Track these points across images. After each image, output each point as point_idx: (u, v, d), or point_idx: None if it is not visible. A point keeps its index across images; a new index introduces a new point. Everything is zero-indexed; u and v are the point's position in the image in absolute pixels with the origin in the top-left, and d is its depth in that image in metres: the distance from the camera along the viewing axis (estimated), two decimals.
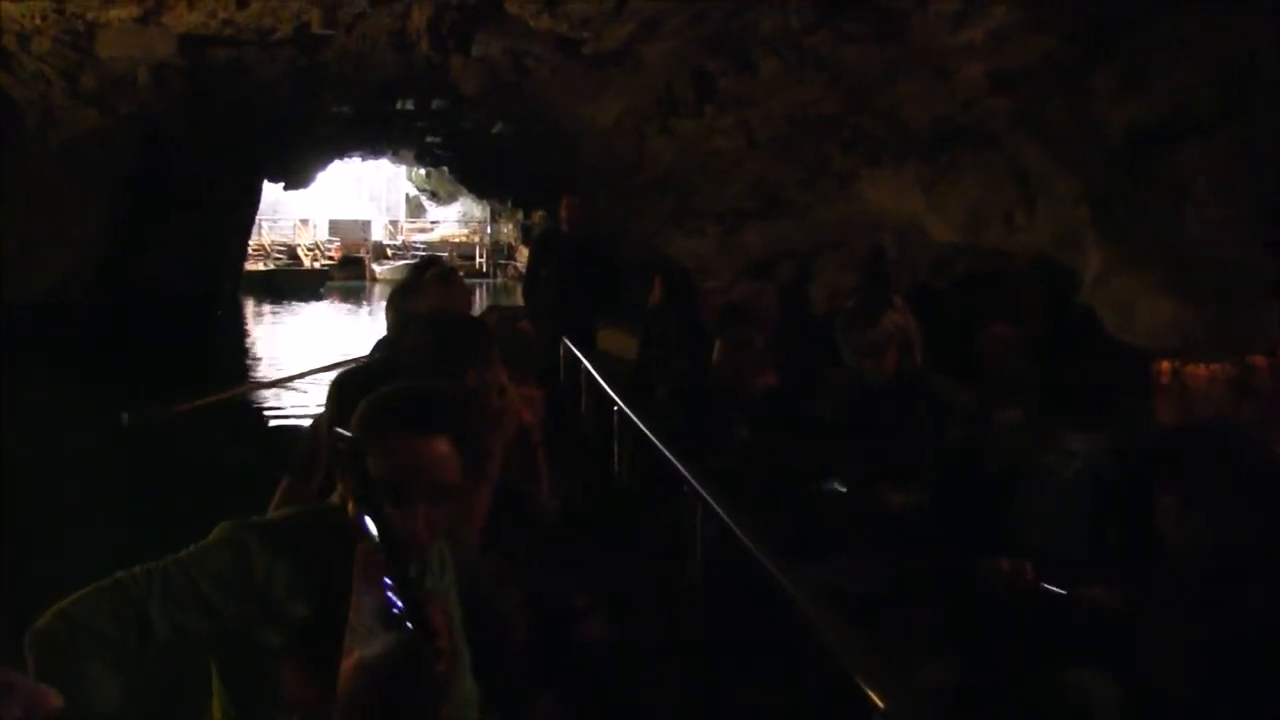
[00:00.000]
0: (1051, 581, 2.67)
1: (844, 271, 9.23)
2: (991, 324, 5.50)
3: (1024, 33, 6.41)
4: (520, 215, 25.47)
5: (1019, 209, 7.29)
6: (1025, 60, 6.53)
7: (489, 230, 35.06)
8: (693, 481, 3.61)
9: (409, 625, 1.47)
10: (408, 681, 1.46)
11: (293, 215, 37.03)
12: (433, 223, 41.07)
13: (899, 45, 7.19)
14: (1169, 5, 6.01)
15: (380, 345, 3.93)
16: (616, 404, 5.59)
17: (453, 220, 39.94)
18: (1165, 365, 7.83)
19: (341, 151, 21.66)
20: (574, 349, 7.56)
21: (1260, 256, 5.98)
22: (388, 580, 1.49)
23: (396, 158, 27.72)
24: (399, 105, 13.53)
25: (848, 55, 7.67)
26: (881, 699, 1.89)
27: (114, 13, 9.54)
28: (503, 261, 31.56)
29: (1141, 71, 6.26)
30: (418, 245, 35.66)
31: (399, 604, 1.50)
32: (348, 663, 1.48)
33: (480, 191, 25.63)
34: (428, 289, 3.84)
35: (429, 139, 17.88)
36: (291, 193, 24.56)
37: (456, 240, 36.80)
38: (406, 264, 23.00)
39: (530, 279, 8.64)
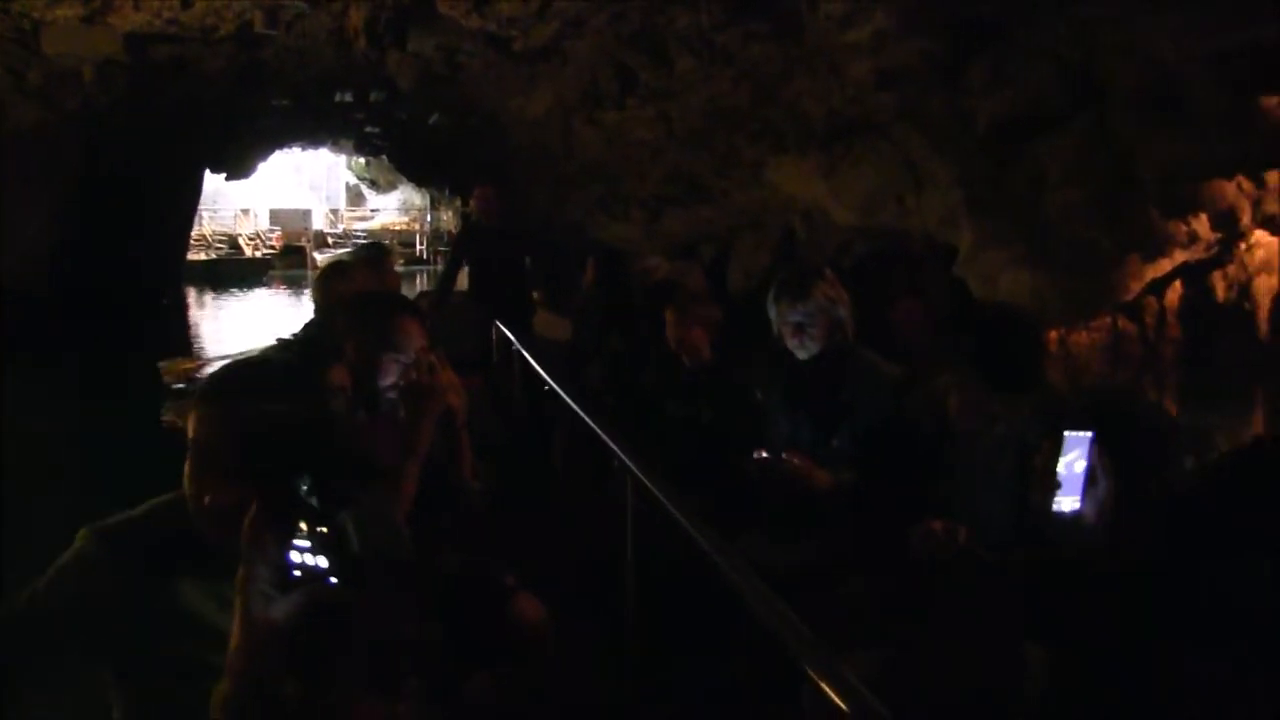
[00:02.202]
0: (983, 544, 2.68)
1: (758, 252, 9.94)
2: (900, 300, 5.88)
3: (904, 34, 7.13)
4: (459, 203, 25.90)
5: (908, 193, 8.04)
6: (906, 59, 7.25)
7: (429, 218, 35.32)
8: (623, 457, 3.54)
9: (331, 579, 1.49)
10: (325, 633, 1.50)
11: (234, 205, 37.06)
12: (373, 211, 41.24)
13: (797, 44, 7.89)
14: (1026, 12, 6.77)
15: (309, 325, 3.93)
16: (548, 383, 5.58)
17: (393, 208, 40.14)
18: (1053, 334, 8.65)
19: (282, 142, 21.94)
20: (507, 332, 7.66)
21: (1103, 233, 6.78)
22: (295, 544, 1.50)
23: (336, 147, 27.95)
24: (338, 98, 13.96)
25: (754, 52, 8.36)
26: (815, 675, 1.86)
27: (60, 11, 9.95)
28: (443, 248, 31.92)
29: (1005, 70, 7.02)
30: (358, 233, 35.88)
31: (295, 569, 1.52)
32: (248, 627, 1.49)
33: (419, 180, 26.02)
34: (355, 270, 3.92)
35: (368, 129, 18.26)
36: (233, 183, 24.79)
37: (397, 228, 37.01)
38: (348, 252, 23.29)
39: (447, 268, 8.74)
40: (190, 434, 1.73)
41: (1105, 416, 2.48)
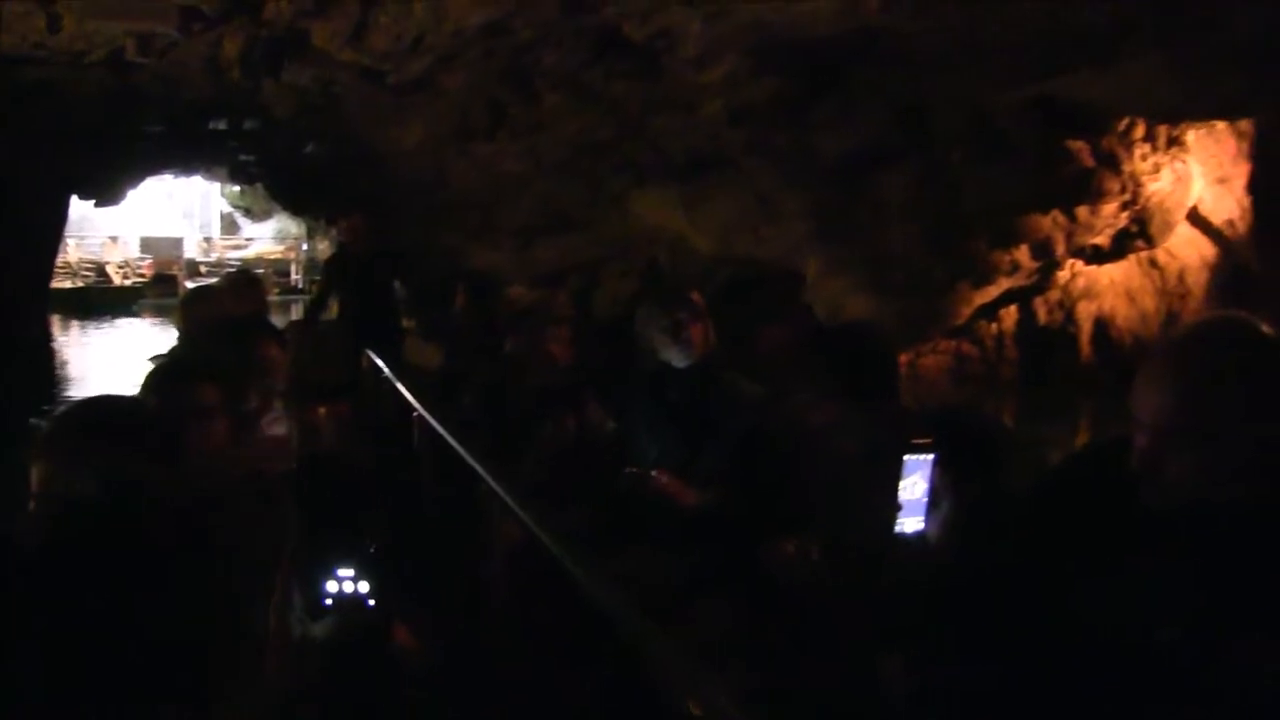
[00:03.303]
0: (839, 560, 2.69)
1: (625, 281, 10.38)
2: (764, 325, 6.21)
3: (754, 75, 7.67)
4: (335, 232, 25.76)
5: (763, 223, 8.59)
6: (756, 98, 7.79)
7: (305, 247, 34.93)
8: (489, 480, 3.50)
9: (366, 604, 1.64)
10: (363, 657, 1.65)
11: (101, 232, 36.05)
12: (248, 239, 40.51)
13: (657, 83, 8.38)
14: (865, 57, 7.37)
15: (174, 350, 3.86)
16: (416, 410, 5.55)
17: (268, 237, 39.50)
18: (903, 357, 9.27)
19: (154, 168, 21.60)
20: (376, 360, 7.56)
21: (936, 262, 7.41)
22: (337, 574, 1.64)
23: (210, 174, 27.54)
24: (212, 125, 13.88)
25: (617, 90, 8.81)
26: (684, 693, 1.87)
27: None
28: (318, 278, 31.54)
29: (847, 110, 7.63)
30: (233, 262, 35.22)
31: (329, 597, 1.69)
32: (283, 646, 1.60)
33: (295, 209, 25.82)
34: (219, 295, 3.98)
35: (242, 157, 18.14)
36: (101, 209, 24.25)
37: (272, 257, 36.44)
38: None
39: (316, 296, 8.76)
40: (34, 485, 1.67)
41: (946, 434, 2.45)
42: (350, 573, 1.74)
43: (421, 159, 11.61)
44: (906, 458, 1.88)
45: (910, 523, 1.88)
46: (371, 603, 1.74)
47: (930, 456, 1.87)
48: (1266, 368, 1.54)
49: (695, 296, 3.59)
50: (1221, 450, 1.51)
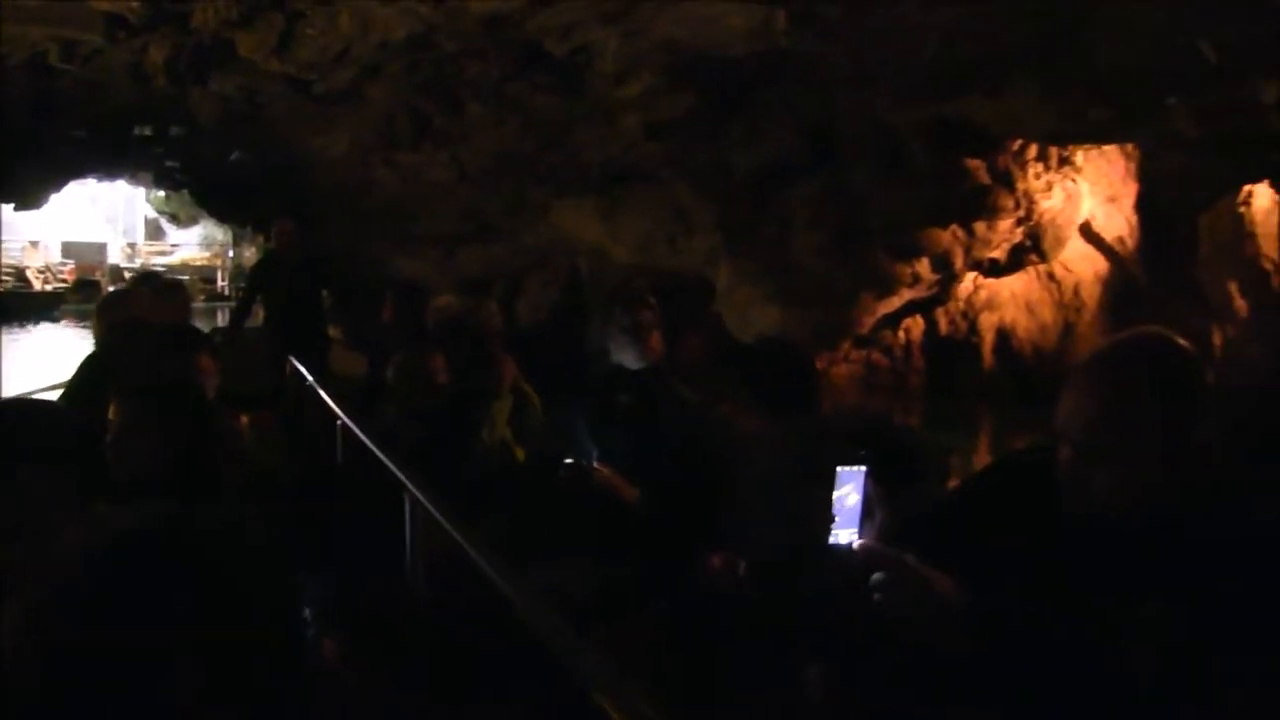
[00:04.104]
0: (766, 572, 2.68)
1: (546, 289, 10.62)
2: (683, 334, 6.35)
3: (669, 92, 7.99)
4: (263, 239, 25.63)
5: (679, 235, 8.90)
6: (672, 113, 8.10)
7: (231, 254, 34.58)
8: (411, 488, 3.47)
9: None
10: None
11: (22, 236, 35.33)
12: (173, 245, 39.91)
13: (578, 96, 8.65)
14: (775, 77, 7.72)
15: (86, 362, 3.77)
16: (340, 419, 5.42)
17: (194, 243, 38.99)
18: (818, 366, 9.62)
19: (77, 173, 21.33)
20: (300, 367, 7.49)
21: (840, 274, 7.77)
22: None
23: (135, 180, 27.21)
24: (137, 131, 13.82)
25: (539, 103, 9.07)
26: (605, 704, 1.84)
27: None
28: (243, 285, 31.23)
29: (758, 126, 7.97)
30: (158, 268, 34.75)
31: None
32: None
33: (222, 215, 25.63)
34: (132, 299, 3.90)
35: (168, 163, 18.03)
36: (21, 213, 23.86)
37: (198, 263, 35.98)
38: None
39: (241, 302, 8.74)
40: None
41: (871, 445, 2.40)
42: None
43: (347, 167, 11.74)
44: (839, 470, 1.85)
45: (844, 534, 1.84)
46: (310, 631, 1.73)
47: (863, 468, 1.84)
48: (1183, 383, 1.58)
49: (653, 301, 3.61)
50: (1141, 464, 1.55)
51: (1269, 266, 7.38)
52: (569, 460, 3.35)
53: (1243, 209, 7.45)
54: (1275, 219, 7.29)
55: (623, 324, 3.49)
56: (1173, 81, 5.82)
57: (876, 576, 1.72)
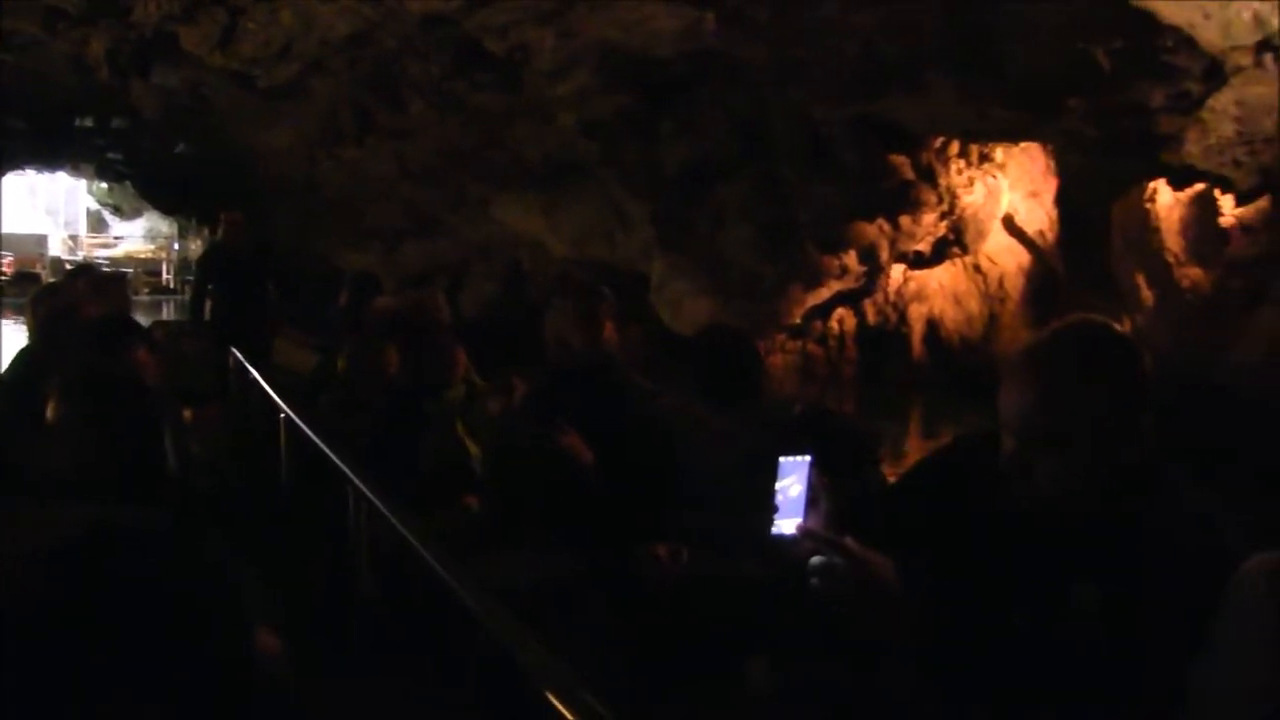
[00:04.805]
0: (711, 561, 2.69)
1: (488, 282, 10.82)
2: (627, 325, 6.53)
3: (604, 90, 8.22)
4: (208, 232, 25.45)
5: (615, 229, 9.14)
6: (607, 111, 8.34)
7: (176, 246, 34.21)
8: (356, 481, 3.44)
9: None
10: None
11: None
12: (116, 238, 39.35)
13: (516, 94, 8.86)
14: (706, 76, 7.99)
15: (19, 356, 3.78)
16: (284, 411, 5.24)
17: (138, 235, 38.49)
18: None
19: (14, 163, 21.08)
20: (243, 360, 7.33)
21: (770, 266, 8.07)
22: None
23: (76, 171, 26.90)
24: (78, 123, 13.76)
25: (479, 100, 9.26)
26: (553, 696, 1.83)
27: None
28: (190, 278, 30.94)
29: (689, 123, 8.23)
30: (100, 261, 34.27)
31: None
32: None
33: (166, 208, 25.47)
34: (71, 290, 3.93)
35: (110, 155, 17.88)
36: None
37: (142, 256, 35.52)
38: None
39: (196, 295, 8.74)
40: None
41: (815, 434, 2.59)
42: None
43: (292, 161, 11.84)
44: (782, 460, 1.80)
45: (787, 524, 1.80)
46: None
47: (807, 458, 1.80)
48: (1121, 370, 1.58)
49: (607, 291, 3.59)
50: (1081, 452, 1.55)
51: (1171, 259, 7.76)
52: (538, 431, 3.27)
53: (1149, 204, 7.82)
54: (1177, 214, 7.67)
55: (578, 311, 3.45)
56: (1073, 85, 6.17)
57: (815, 560, 1.70)
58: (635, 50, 7.62)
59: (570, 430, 3.23)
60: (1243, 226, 7.02)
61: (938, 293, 10.65)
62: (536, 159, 9.07)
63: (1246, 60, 5.64)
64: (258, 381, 6.53)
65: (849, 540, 1.65)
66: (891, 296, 10.41)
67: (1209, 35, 5.52)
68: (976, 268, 10.59)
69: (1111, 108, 6.17)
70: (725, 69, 7.82)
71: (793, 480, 1.81)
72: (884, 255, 8.76)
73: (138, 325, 3.43)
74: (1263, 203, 6.61)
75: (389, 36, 8.78)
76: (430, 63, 9.06)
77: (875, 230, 8.52)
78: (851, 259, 8.55)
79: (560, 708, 1.76)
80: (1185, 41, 5.61)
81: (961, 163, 9.09)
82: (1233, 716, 1.23)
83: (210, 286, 8.48)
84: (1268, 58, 5.60)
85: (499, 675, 2.32)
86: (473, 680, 2.98)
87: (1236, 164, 6.13)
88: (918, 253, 9.64)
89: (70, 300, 3.72)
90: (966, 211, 9.57)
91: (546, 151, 8.98)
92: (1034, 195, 9.84)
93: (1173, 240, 7.81)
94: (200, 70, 10.30)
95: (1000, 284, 10.58)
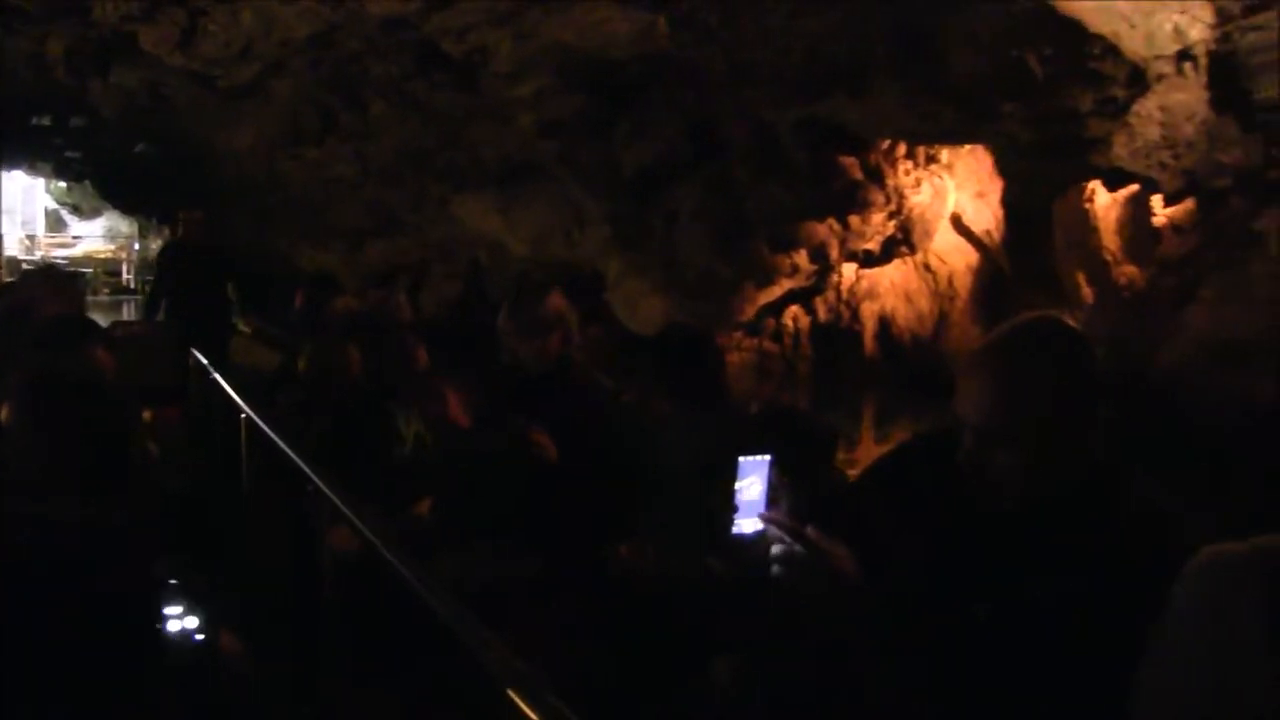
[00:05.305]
0: (676, 560, 2.68)
1: (449, 281, 10.97)
2: (587, 324, 6.60)
3: (560, 92, 8.40)
4: (168, 232, 25.31)
5: (574, 228, 9.33)
6: (564, 112, 8.52)
7: (136, 246, 33.93)
8: (315, 480, 3.43)
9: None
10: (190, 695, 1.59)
11: None
12: (75, 238, 38.94)
13: (475, 95, 9.02)
14: (660, 78, 8.18)
15: None
16: (244, 411, 5.28)
17: (98, 235, 38.11)
18: None
19: None
20: (202, 360, 7.24)
21: (723, 265, 8.29)
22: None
23: (33, 170, 26.67)
24: (35, 121, 13.73)
25: (438, 100, 9.41)
26: (515, 695, 1.83)
27: None
28: (150, 278, 30.68)
29: (645, 125, 8.43)
30: (59, 260, 33.93)
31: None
32: None
33: (126, 207, 25.33)
34: (25, 289, 3.94)
35: (68, 154, 17.79)
36: None
37: (102, 256, 35.16)
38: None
39: (152, 294, 8.79)
40: None
41: (778, 434, 2.62)
42: (178, 609, 1.62)
43: (253, 161, 11.91)
44: (741, 460, 1.82)
45: (748, 524, 1.82)
46: (200, 637, 1.61)
47: (767, 458, 1.82)
48: (1076, 366, 1.59)
49: (556, 294, 3.60)
50: (1036, 447, 1.56)
51: (1109, 258, 8.04)
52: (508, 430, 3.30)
53: (1088, 205, 8.10)
54: (1114, 214, 7.94)
55: (521, 320, 3.47)
56: (1009, 90, 6.43)
57: (776, 548, 1.70)
58: (591, 53, 7.80)
59: (538, 429, 3.25)
60: (1174, 226, 7.29)
61: (890, 291, 10.90)
62: (495, 159, 9.24)
63: (1169, 69, 5.93)
64: (218, 382, 6.47)
65: (811, 529, 1.68)
66: (845, 294, 10.65)
67: (1133, 45, 5.81)
68: (927, 266, 10.85)
69: (1044, 112, 6.45)
70: (679, 72, 8.02)
71: (753, 480, 1.83)
72: (834, 254, 9.01)
73: (95, 325, 3.47)
74: (1191, 204, 6.89)
75: (350, 38, 8.89)
76: (391, 64, 9.19)
77: (825, 229, 8.76)
78: (802, 258, 8.79)
79: (524, 707, 1.76)
80: (1111, 50, 5.88)
81: (909, 164, 9.36)
82: (1178, 714, 1.22)
83: (167, 285, 8.55)
84: (1188, 66, 5.91)
85: (463, 675, 2.31)
86: (436, 680, 2.99)
87: (1162, 166, 6.41)
88: (867, 252, 9.89)
89: (25, 300, 3.74)
90: (914, 211, 9.83)
91: (505, 152, 9.14)
92: (981, 196, 10.11)
93: (1110, 239, 8.09)
94: (160, 70, 10.33)
95: (950, 282, 10.85)
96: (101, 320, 10.60)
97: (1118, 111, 6.26)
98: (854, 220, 8.87)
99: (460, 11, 7.68)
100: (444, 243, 10.87)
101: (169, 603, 2.23)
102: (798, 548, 1.67)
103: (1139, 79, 6.07)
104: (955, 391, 1.64)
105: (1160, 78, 6.01)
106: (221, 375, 6.52)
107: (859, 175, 8.94)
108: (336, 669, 3.49)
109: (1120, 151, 6.43)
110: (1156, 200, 7.39)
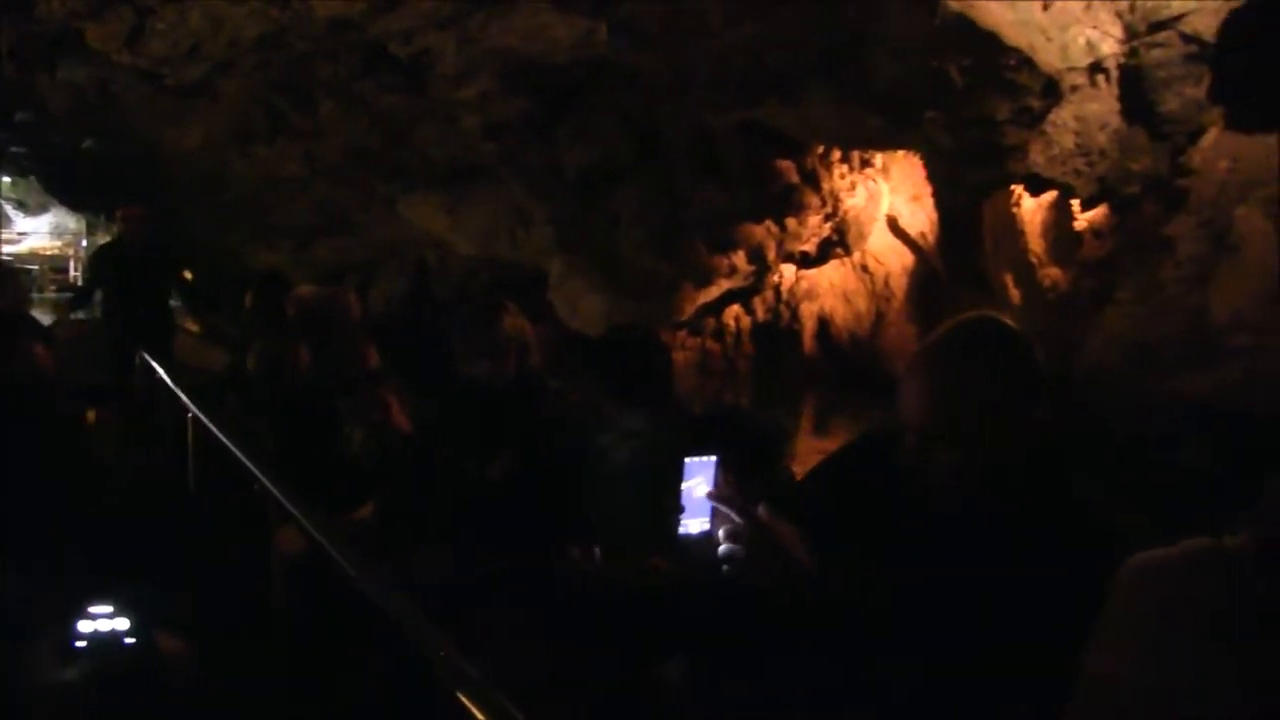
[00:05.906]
0: (623, 560, 2.69)
1: (396, 280, 11.10)
2: (534, 324, 6.77)
3: (504, 94, 8.58)
4: (117, 229, 25.04)
5: (518, 229, 9.51)
6: (507, 115, 8.70)
7: (84, 243, 33.53)
8: (263, 480, 3.43)
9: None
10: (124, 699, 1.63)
11: None
12: (20, 234, 38.35)
13: (421, 97, 9.17)
14: (601, 82, 8.39)
15: None
16: (190, 411, 5.37)
17: (44, 232, 37.59)
18: None
19: None
20: (149, 359, 7.21)
21: (663, 265, 8.51)
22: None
23: None
24: None
25: (386, 101, 9.54)
26: (465, 698, 1.83)
27: None
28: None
29: (587, 128, 8.63)
30: (4, 257, 33.42)
31: (80, 639, 1.69)
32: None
33: (74, 204, 25.09)
34: None
35: (14, 149, 17.65)
36: None
37: (49, 252, 34.68)
38: None
39: (83, 290, 8.65)
40: None
41: (725, 434, 2.63)
42: (108, 609, 1.60)
43: (203, 160, 11.93)
44: (688, 460, 1.81)
45: (695, 524, 1.82)
46: (130, 640, 1.58)
47: (713, 458, 1.81)
48: (1016, 365, 1.62)
49: (511, 310, 3.61)
50: (977, 445, 1.60)
51: (1035, 260, 8.35)
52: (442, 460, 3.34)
53: (1015, 209, 8.40)
54: (1039, 218, 8.25)
55: (479, 346, 3.48)
56: (931, 98, 6.71)
57: (725, 528, 1.70)
58: (534, 57, 7.99)
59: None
60: (1093, 230, 7.61)
61: (828, 291, 11.18)
62: (442, 160, 9.40)
63: (1082, 80, 6.24)
64: (164, 381, 6.49)
65: (761, 509, 1.70)
66: (784, 295, 10.91)
67: (1048, 57, 6.11)
68: (864, 267, 11.15)
69: (964, 119, 6.74)
70: (620, 76, 8.23)
71: (699, 480, 1.83)
72: (771, 255, 9.27)
73: (35, 322, 3.66)
74: (1106, 208, 7.20)
75: (299, 39, 8.99)
76: (339, 65, 9.31)
77: (763, 231, 9.01)
78: (740, 259, 9.04)
79: (472, 709, 1.75)
80: (1027, 62, 6.19)
81: (844, 168, 9.64)
82: (1114, 710, 1.26)
83: (105, 283, 8.40)
84: (1100, 78, 6.22)
85: (411, 676, 2.32)
86: (385, 681, 2.99)
87: (1077, 174, 6.71)
88: (804, 253, 10.17)
89: None
90: (849, 214, 10.12)
91: (451, 153, 9.31)
92: (916, 199, 10.41)
93: (1035, 242, 8.40)
94: (108, 67, 10.35)
95: (886, 283, 11.15)
96: (47, 319, 10.67)
97: (1034, 120, 6.56)
98: (791, 222, 9.13)
99: (405, 15, 7.84)
100: (391, 242, 11.00)
101: (98, 604, 2.24)
102: (747, 525, 1.69)
103: (1054, 90, 6.37)
104: (897, 393, 1.67)
105: (1074, 89, 6.31)
106: (167, 374, 6.50)
107: (795, 179, 9.21)
108: (284, 670, 3.50)
109: (1038, 158, 6.73)
110: (1077, 204, 7.70)
